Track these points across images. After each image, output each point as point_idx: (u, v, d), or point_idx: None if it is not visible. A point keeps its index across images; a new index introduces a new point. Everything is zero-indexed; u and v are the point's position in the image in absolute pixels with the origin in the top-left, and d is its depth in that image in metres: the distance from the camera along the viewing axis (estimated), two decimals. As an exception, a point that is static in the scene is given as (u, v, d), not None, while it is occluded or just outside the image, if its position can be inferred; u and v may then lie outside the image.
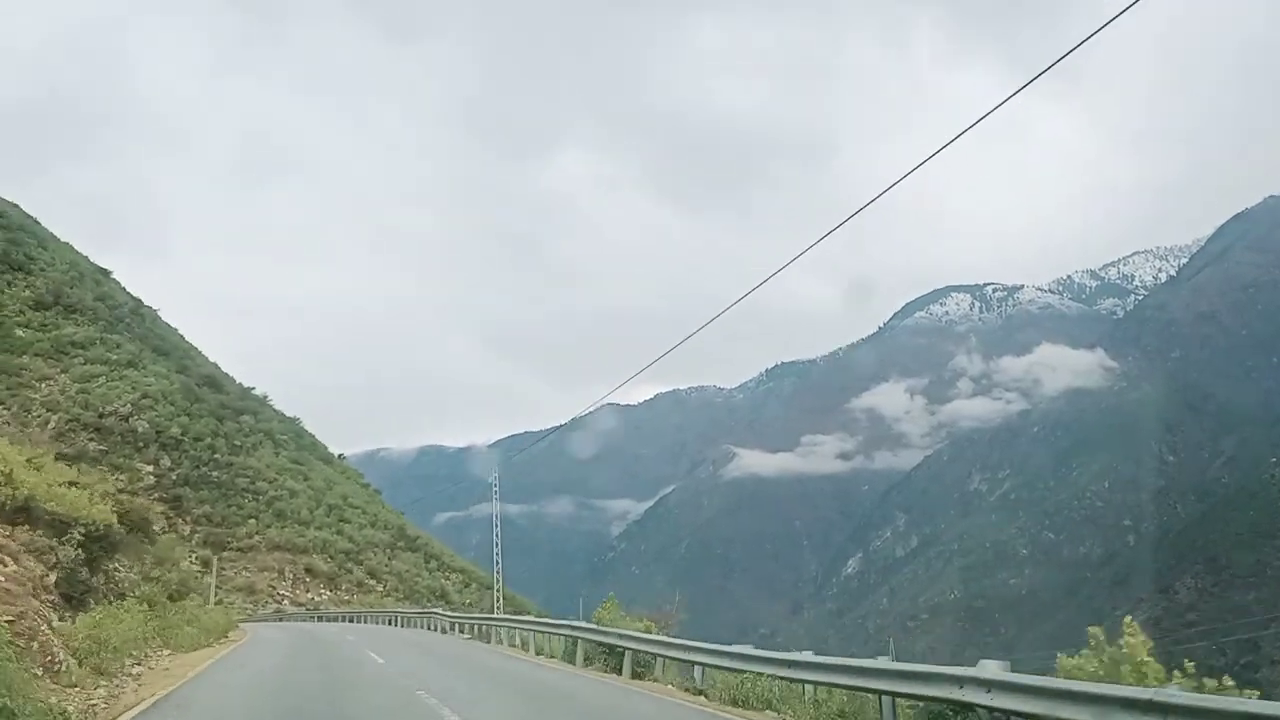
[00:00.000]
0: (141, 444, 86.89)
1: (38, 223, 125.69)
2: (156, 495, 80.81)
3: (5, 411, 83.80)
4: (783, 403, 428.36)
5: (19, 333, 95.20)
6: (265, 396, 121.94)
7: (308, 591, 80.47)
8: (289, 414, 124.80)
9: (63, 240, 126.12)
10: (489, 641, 37.20)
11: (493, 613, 55.65)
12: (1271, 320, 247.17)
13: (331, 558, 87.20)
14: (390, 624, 57.77)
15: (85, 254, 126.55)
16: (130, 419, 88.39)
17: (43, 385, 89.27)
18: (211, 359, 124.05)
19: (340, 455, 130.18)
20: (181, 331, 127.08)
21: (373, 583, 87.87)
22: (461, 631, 43.80)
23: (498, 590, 67.62)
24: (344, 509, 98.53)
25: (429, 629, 49.67)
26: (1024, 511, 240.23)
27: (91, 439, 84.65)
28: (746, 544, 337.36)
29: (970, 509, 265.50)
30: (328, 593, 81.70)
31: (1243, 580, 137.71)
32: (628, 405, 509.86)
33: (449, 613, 51.86)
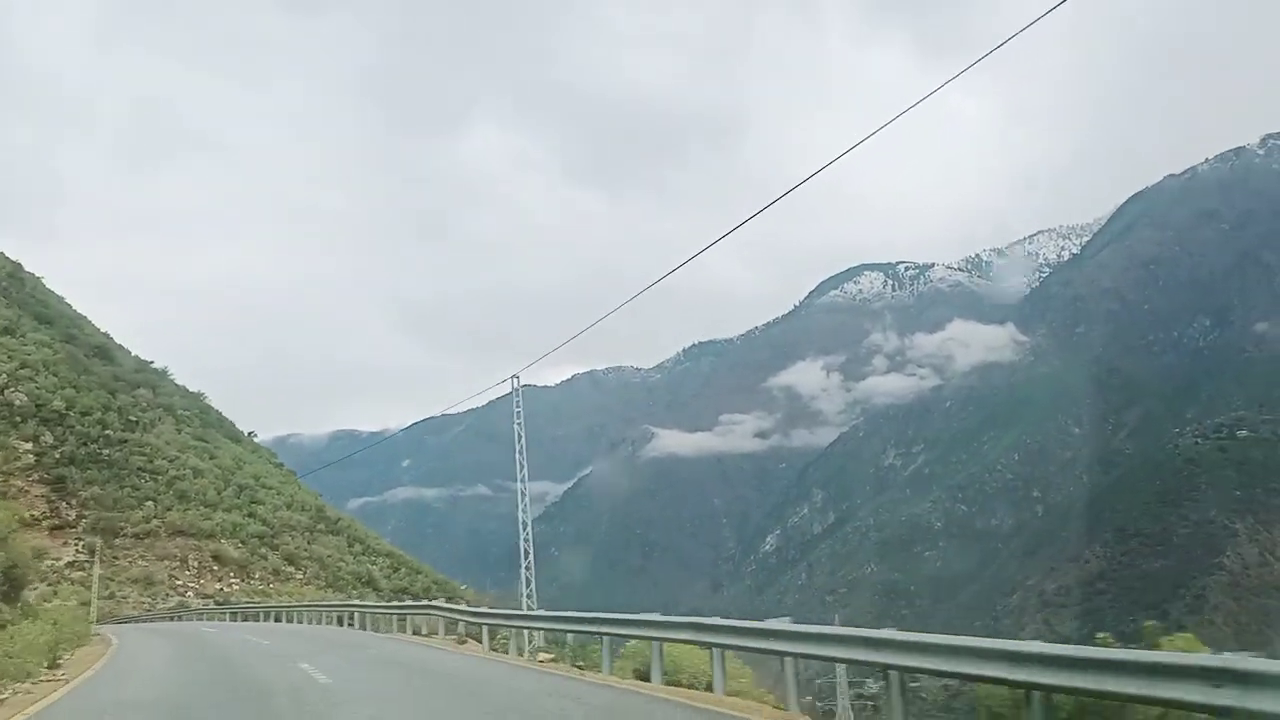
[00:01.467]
0: (19, 419, 78.58)
1: None
2: (36, 476, 74.31)
3: None
4: (700, 382, 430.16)
5: None
6: (165, 370, 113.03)
7: (216, 582, 74.00)
8: (192, 389, 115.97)
9: None
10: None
11: (521, 609, 40.12)
12: (1172, 295, 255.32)
13: (243, 543, 79.96)
14: (331, 624, 42.85)
15: None
16: (5, 391, 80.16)
17: None
18: (103, 329, 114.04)
19: (250, 433, 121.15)
20: (69, 300, 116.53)
21: (291, 570, 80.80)
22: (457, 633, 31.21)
23: (526, 582, 45.71)
24: (256, 489, 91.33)
25: (369, 630, 37.13)
26: (937, 485, 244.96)
27: None
28: (666, 524, 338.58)
29: (885, 484, 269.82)
30: (239, 583, 74.96)
31: (1149, 548, 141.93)
32: (544, 387, 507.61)
33: (452, 609, 32.45)
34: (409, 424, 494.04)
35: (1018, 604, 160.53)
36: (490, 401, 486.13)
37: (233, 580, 74.85)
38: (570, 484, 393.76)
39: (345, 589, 78.12)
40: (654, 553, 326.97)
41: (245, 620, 53.06)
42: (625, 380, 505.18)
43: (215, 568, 75.21)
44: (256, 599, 68.16)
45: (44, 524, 69.26)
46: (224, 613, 58.47)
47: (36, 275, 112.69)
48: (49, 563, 65.48)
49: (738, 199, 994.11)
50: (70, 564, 66.62)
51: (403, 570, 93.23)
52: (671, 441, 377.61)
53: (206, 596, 70.66)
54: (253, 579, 76.01)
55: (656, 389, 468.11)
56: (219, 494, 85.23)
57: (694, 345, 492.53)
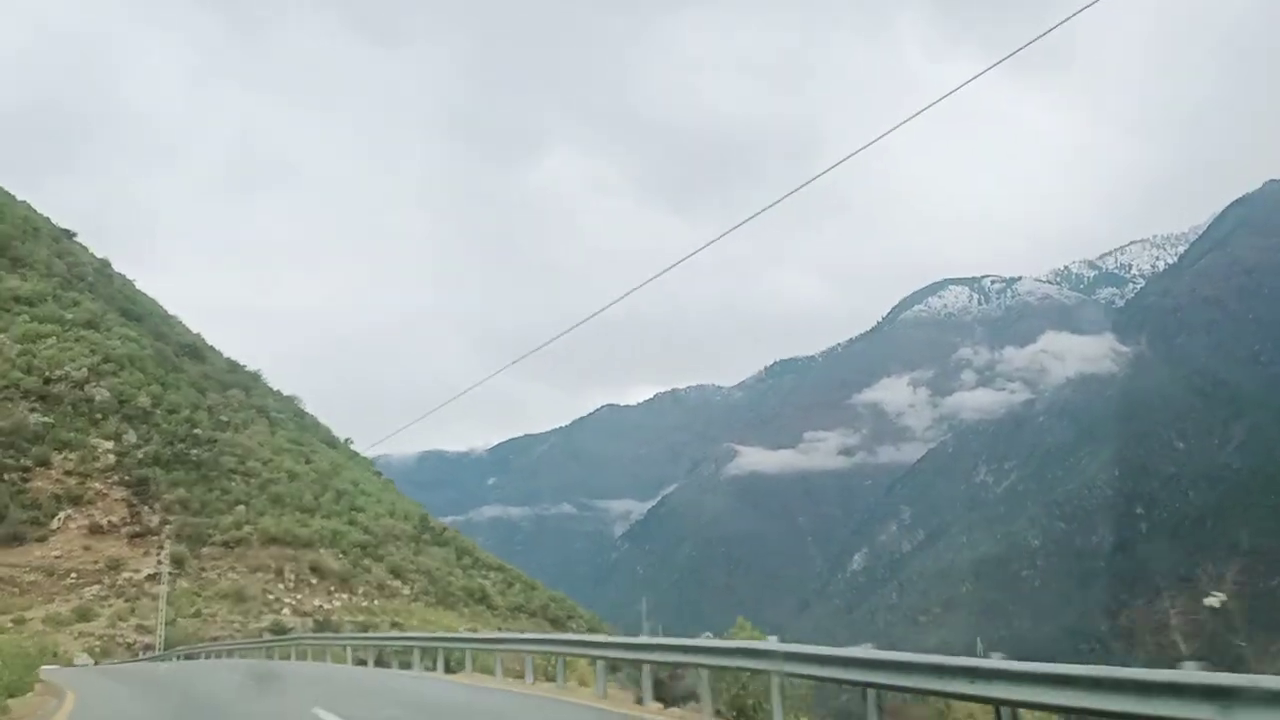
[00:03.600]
0: (100, 415, 74.12)
1: None
2: (116, 478, 69.90)
3: None
4: (783, 399, 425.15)
5: None
6: (258, 373, 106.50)
7: (314, 597, 66.92)
8: (286, 392, 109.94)
9: (19, 199, 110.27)
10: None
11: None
12: (1277, 304, 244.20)
13: (344, 553, 72.66)
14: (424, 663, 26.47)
15: (46, 215, 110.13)
16: (86, 385, 75.63)
17: None
18: (194, 330, 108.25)
19: (347, 440, 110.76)
20: (159, 301, 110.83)
21: (397, 584, 73.69)
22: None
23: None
24: (355, 495, 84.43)
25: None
26: (1032, 502, 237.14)
27: (34, 408, 72.44)
28: (751, 542, 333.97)
29: (977, 501, 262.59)
30: (340, 598, 67.78)
31: (1267, 565, 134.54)
32: (626, 406, 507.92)
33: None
34: (494, 444, 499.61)
35: (1126, 625, 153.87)
36: (574, 420, 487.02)
37: (333, 594, 68.27)
38: (654, 502, 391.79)
39: (456, 606, 72.25)
40: (739, 570, 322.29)
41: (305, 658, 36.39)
42: (707, 398, 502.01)
43: (314, 581, 68.69)
44: (360, 617, 62.63)
45: (123, 531, 66.47)
46: (285, 647, 39.95)
47: (126, 276, 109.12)
48: (126, 575, 63.91)
49: (814, 217, 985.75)
50: (151, 577, 62.75)
51: (517, 586, 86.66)
52: (755, 459, 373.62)
53: (304, 614, 64.06)
54: (355, 594, 69.66)
55: (739, 407, 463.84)
56: (316, 499, 78.93)
57: (776, 363, 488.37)
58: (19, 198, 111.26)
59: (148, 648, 56.27)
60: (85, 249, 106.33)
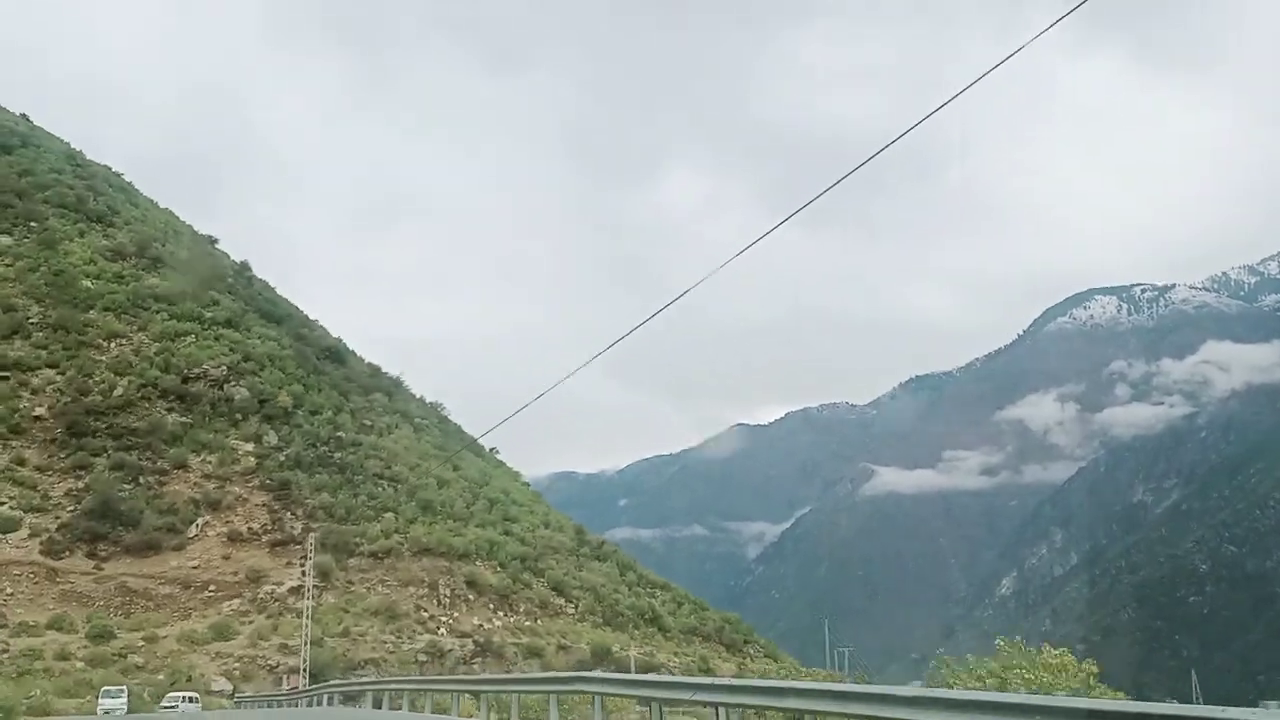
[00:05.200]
0: (239, 416, 71.89)
1: (133, 186, 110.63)
2: (256, 481, 67.08)
3: (59, 376, 71.35)
4: (919, 417, 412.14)
5: (86, 284, 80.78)
6: (400, 378, 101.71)
7: (471, 615, 62.01)
8: (430, 399, 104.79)
9: (161, 206, 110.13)
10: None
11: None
12: None
13: (502, 566, 67.85)
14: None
15: (189, 222, 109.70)
16: (225, 384, 73.60)
17: (111, 344, 76.00)
18: (335, 334, 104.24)
19: (493, 449, 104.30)
20: (299, 305, 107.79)
21: (560, 602, 68.69)
22: None
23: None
24: (508, 505, 79.86)
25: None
26: (1197, 523, 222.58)
27: (171, 408, 70.73)
28: (889, 564, 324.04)
29: (1135, 523, 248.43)
30: (500, 617, 62.89)
31: None
32: (757, 425, 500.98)
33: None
34: (625, 465, 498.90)
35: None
36: (705, 440, 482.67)
37: (491, 613, 63.39)
38: (788, 524, 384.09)
39: (625, 628, 67.16)
40: (878, 595, 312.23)
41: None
42: (840, 417, 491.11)
43: (471, 597, 64.13)
44: (524, 639, 57.62)
45: (264, 539, 63.42)
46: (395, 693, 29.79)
47: (265, 279, 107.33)
48: (268, 588, 61.17)
49: (943, 230, 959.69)
50: (295, 590, 58.96)
51: (686, 607, 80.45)
52: (891, 479, 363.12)
53: (462, 634, 59.00)
54: (516, 612, 64.92)
55: (873, 425, 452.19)
56: (468, 508, 74.72)
57: (911, 379, 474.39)
58: (161, 204, 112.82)
59: (292, 673, 52.84)
60: (225, 254, 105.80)
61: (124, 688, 44.27)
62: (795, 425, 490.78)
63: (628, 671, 55.68)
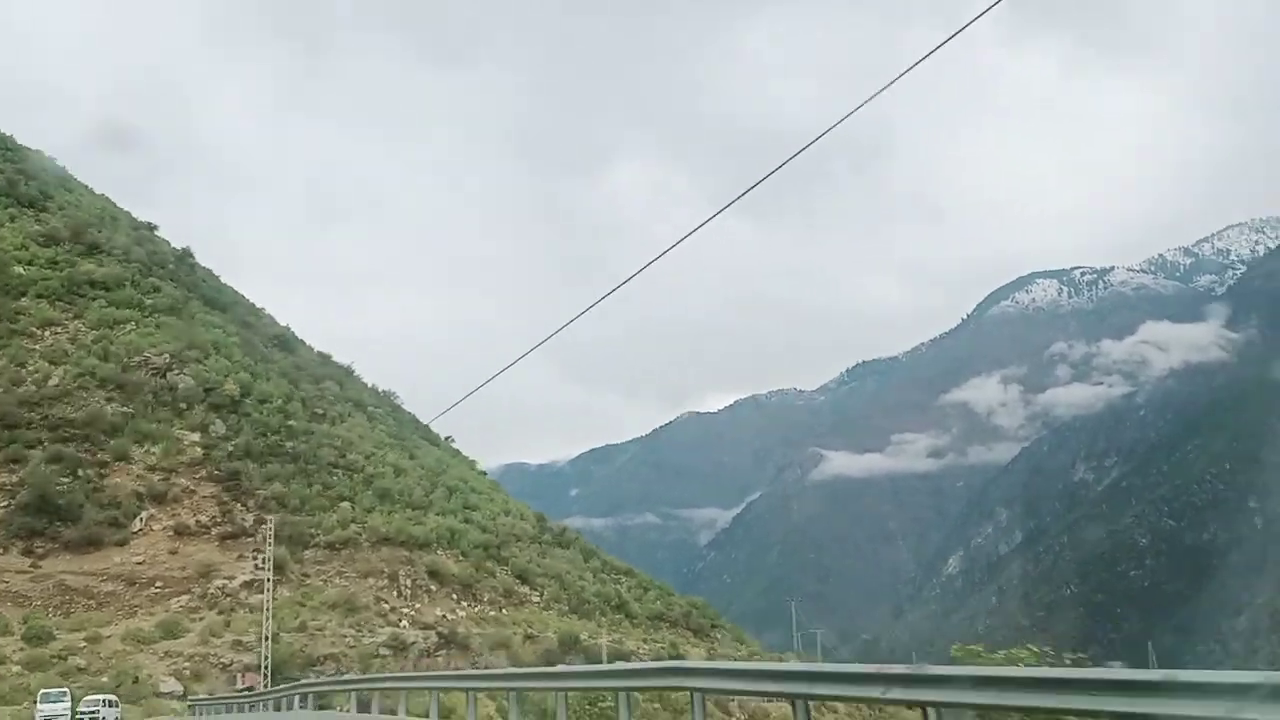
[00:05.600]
0: (184, 405, 69.34)
1: (67, 172, 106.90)
2: (204, 472, 64.74)
3: None
4: (867, 402, 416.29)
5: (17, 269, 77.98)
6: (350, 367, 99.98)
7: (434, 606, 60.39)
8: (382, 388, 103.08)
9: (97, 192, 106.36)
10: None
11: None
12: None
13: (464, 555, 66.34)
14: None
15: (127, 209, 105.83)
16: (168, 373, 70.94)
17: (46, 333, 73.64)
18: (282, 322, 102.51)
19: (448, 438, 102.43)
20: (243, 292, 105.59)
21: (525, 590, 67.62)
22: None
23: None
24: (468, 493, 78.38)
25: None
26: (1137, 499, 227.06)
27: (111, 398, 68.18)
28: (840, 547, 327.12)
29: (1077, 500, 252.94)
30: (464, 607, 61.32)
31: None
32: (707, 413, 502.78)
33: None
34: (576, 455, 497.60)
35: (1247, 625, 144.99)
36: (655, 429, 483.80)
37: (455, 602, 61.94)
38: (739, 509, 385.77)
39: (593, 615, 66.11)
40: (830, 577, 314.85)
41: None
42: (789, 403, 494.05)
43: (433, 587, 62.57)
44: (489, 629, 56.34)
45: (213, 532, 61.25)
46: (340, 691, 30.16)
47: (208, 267, 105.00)
48: (219, 583, 59.61)
49: (887, 218, 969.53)
50: (247, 584, 57.63)
51: (652, 593, 79.82)
52: (840, 463, 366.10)
53: (425, 626, 57.47)
54: (481, 601, 63.56)
55: (821, 410, 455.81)
56: (427, 495, 72.99)
57: (858, 365, 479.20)
58: (97, 190, 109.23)
59: (248, 671, 50.99)
60: (166, 241, 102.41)
61: (66, 691, 41.57)
62: (745, 412, 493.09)
63: (598, 660, 54.53)
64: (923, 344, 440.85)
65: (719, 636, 77.87)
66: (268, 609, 50.03)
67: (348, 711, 25.52)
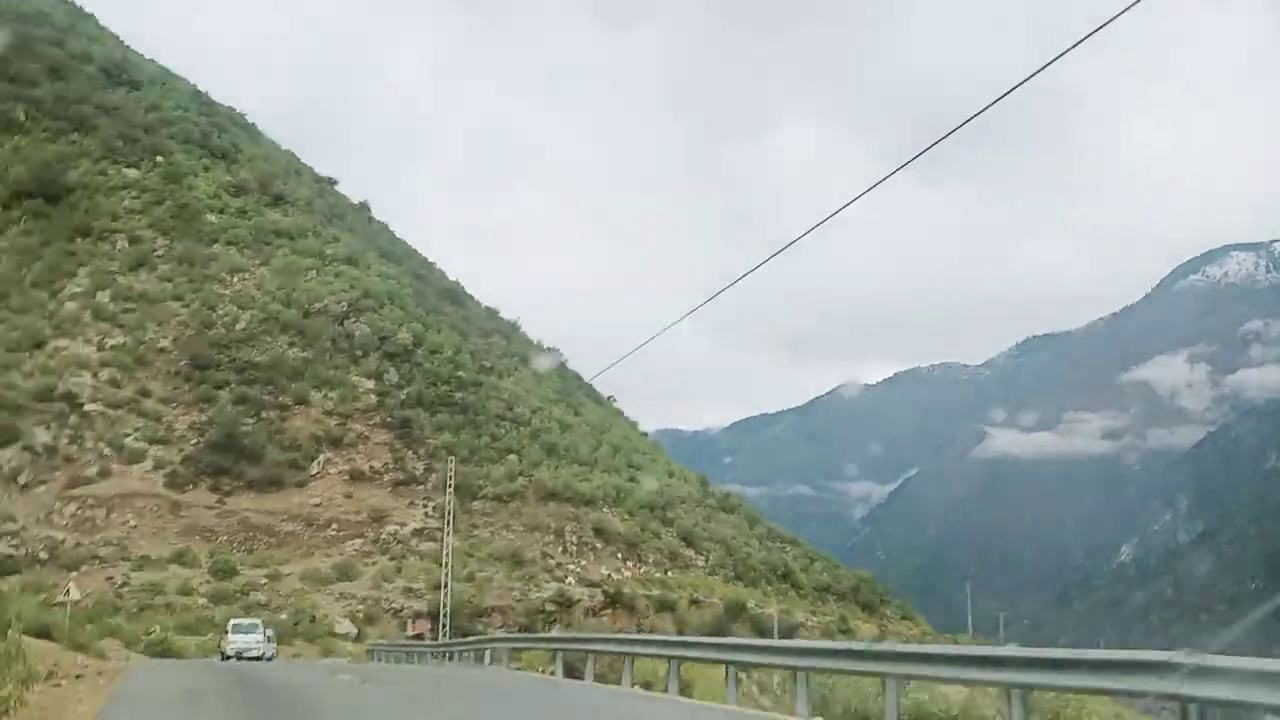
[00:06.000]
0: (359, 353, 71.44)
1: (256, 127, 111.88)
2: (377, 419, 66.10)
3: (183, 309, 71.72)
4: (1037, 378, 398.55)
5: (209, 218, 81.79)
6: (517, 323, 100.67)
7: (599, 564, 59.79)
8: (546, 344, 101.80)
9: (283, 148, 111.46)
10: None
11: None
12: None
13: (630, 514, 65.54)
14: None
15: (310, 164, 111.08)
16: (346, 320, 73.36)
17: (234, 278, 76.35)
18: (453, 277, 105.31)
19: (610, 397, 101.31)
20: (417, 248, 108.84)
21: (690, 553, 66.32)
22: None
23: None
24: (631, 452, 77.83)
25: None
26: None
27: (292, 343, 70.34)
28: (1002, 529, 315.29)
29: (1269, 490, 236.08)
30: (629, 567, 60.35)
31: None
32: (866, 385, 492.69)
33: None
34: (730, 423, 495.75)
35: None
36: (810, 400, 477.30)
37: (620, 562, 60.98)
38: (895, 485, 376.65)
39: (758, 584, 64.31)
40: (989, 560, 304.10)
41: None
42: (953, 377, 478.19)
43: (598, 545, 62.03)
44: (654, 591, 55.12)
45: (386, 478, 62.17)
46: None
47: (383, 221, 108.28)
48: (391, 529, 59.92)
49: (1065, 185, 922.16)
50: (418, 531, 58.35)
51: (818, 564, 77.88)
52: (1006, 441, 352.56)
53: (591, 584, 56.68)
54: (646, 562, 62.51)
55: (987, 386, 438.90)
56: (592, 452, 72.58)
57: (1029, 339, 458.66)
58: (283, 146, 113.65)
59: (418, 620, 50.21)
60: (344, 196, 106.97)
61: (257, 622, 39.34)
62: (905, 385, 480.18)
63: (768, 633, 52.04)
64: (1101, 318, 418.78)
65: (889, 614, 74.35)
66: (447, 555, 49.02)
67: (550, 674, 22.83)
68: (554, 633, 33.99)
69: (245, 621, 38.92)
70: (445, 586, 47.89)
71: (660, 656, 17.77)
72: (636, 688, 17.52)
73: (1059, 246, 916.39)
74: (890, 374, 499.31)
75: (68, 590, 29.59)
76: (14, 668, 12.41)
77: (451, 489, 52.52)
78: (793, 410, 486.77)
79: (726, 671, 14.21)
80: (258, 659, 34.73)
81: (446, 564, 48.93)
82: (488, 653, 27.55)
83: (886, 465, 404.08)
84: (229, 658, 35.01)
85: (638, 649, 18.90)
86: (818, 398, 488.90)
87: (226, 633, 38.06)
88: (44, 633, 30.30)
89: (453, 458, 58.23)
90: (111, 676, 19.85)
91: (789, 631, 54.26)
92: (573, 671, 21.69)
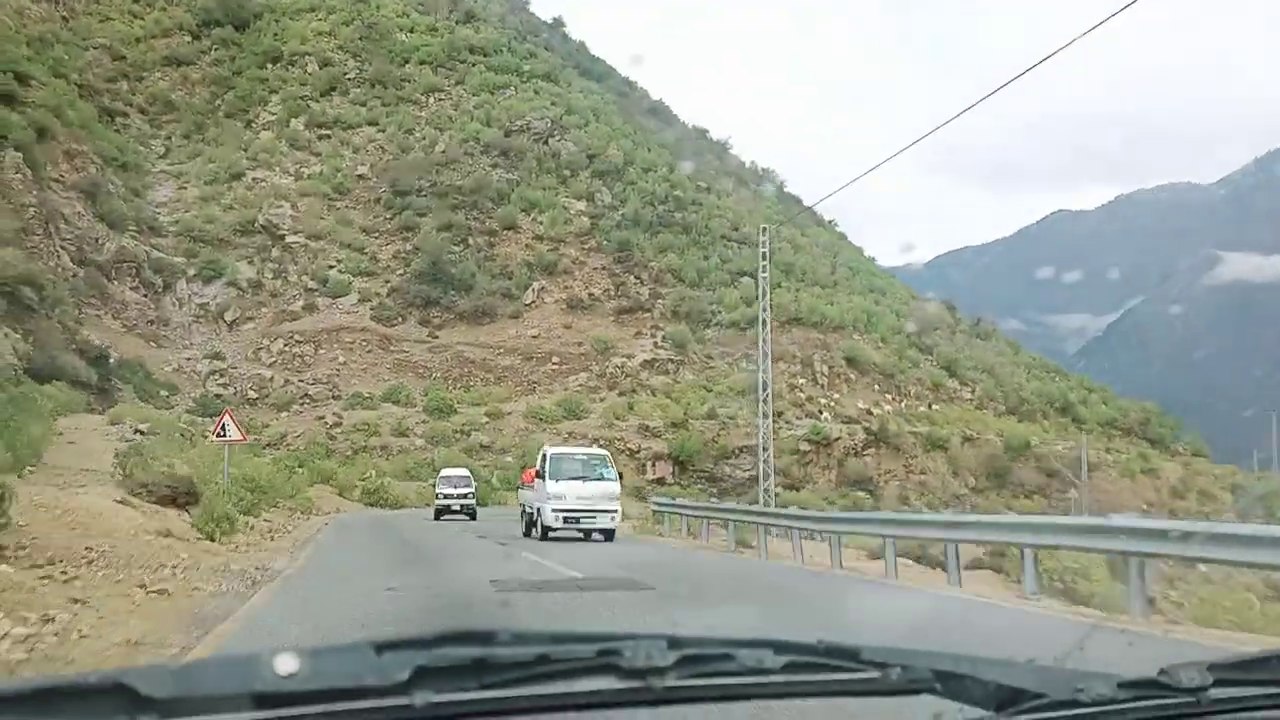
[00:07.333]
0: (568, 172, 66.13)
1: None
2: (592, 243, 60.73)
3: (379, 134, 67.49)
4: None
5: (400, 37, 77.59)
6: (726, 142, 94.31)
7: (854, 396, 52.84)
8: (761, 166, 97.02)
9: None
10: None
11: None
12: None
13: (884, 341, 58.45)
14: None
15: None
16: (550, 139, 67.94)
17: (430, 99, 72.24)
18: (655, 96, 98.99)
19: (831, 221, 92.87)
20: (616, 68, 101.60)
21: (954, 385, 59.05)
22: None
23: None
24: (868, 276, 71.69)
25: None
26: None
27: (495, 164, 65.37)
28: (1235, 364, 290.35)
29: None
30: (889, 400, 53.35)
31: None
32: (1080, 211, 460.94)
33: None
34: (931, 257, 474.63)
35: None
36: (1018, 230, 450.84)
37: (877, 395, 53.95)
38: (1114, 316, 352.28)
39: (1034, 418, 56.30)
40: (1222, 397, 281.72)
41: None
42: (1179, 199, 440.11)
43: (851, 376, 55.04)
44: (921, 427, 48.58)
45: (607, 306, 56.32)
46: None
47: (579, 40, 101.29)
48: (618, 362, 53.95)
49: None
50: (648, 363, 52.38)
51: (1094, 396, 68.74)
52: (1242, 266, 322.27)
53: (848, 420, 50.26)
54: (906, 395, 55.78)
55: (1220, 207, 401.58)
56: (831, 274, 66.09)
57: (1270, 153, 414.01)
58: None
59: (658, 462, 43.95)
60: (535, 14, 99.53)
61: (468, 475, 34.41)
62: (1124, 210, 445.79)
63: (1055, 474, 44.53)
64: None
65: (1181, 450, 64.49)
66: (764, 399, 39.55)
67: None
68: (883, 514, 22.27)
69: (455, 474, 33.83)
70: (764, 428, 33.74)
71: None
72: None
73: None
74: (1108, 199, 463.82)
75: (223, 427, 23.90)
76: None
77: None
78: (1000, 242, 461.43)
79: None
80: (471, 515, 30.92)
81: (763, 399, 35.49)
82: (796, 533, 19.36)
83: (1102, 297, 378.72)
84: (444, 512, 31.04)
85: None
86: (1026, 227, 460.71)
87: (437, 485, 33.49)
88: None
89: (664, 294, 51.86)
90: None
91: (1082, 470, 46.06)
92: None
